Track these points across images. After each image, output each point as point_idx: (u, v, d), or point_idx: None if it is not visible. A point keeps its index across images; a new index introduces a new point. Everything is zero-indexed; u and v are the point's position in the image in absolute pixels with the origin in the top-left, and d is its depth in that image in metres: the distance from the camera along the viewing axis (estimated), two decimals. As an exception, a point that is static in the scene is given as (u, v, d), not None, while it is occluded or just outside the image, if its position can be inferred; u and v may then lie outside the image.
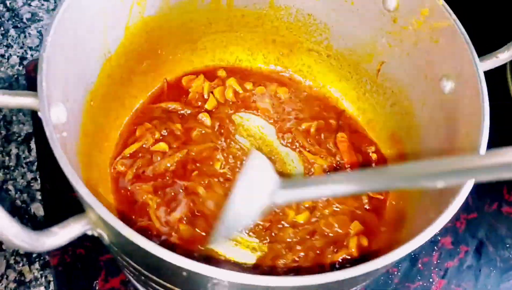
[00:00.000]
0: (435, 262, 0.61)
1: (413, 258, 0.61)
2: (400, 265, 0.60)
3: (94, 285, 0.55)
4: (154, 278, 0.39)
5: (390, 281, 0.59)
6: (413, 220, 0.48)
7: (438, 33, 0.48)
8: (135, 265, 0.39)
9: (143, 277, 0.41)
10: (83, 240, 0.51)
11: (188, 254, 0.48)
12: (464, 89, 0.45)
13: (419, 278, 0.60)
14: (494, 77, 0.64)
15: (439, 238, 0.63)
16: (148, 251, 0.32)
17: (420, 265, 0.61)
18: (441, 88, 0.48)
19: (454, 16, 0.46)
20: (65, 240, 0.34)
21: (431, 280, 0.60)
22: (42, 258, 0.58)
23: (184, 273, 0.33)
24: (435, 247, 0.62)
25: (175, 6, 0.56)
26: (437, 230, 0.37)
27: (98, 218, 0.34)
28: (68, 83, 0.44)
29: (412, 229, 0.40)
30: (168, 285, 0.38)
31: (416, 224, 0.44)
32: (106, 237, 0.36)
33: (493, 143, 0.69)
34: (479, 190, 0.66)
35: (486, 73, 0.45)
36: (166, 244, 0.50)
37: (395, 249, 0.35)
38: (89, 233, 0.36)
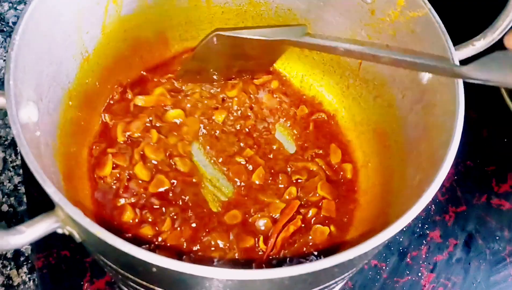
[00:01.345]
0: (423, 256, 0.60)
1: (401, 252, 0.60)
2: (388, 260, 0.60)
3: (79, 286, 0.55)
4: (129, 275, 0.39)
5: (378, 276, 0.58)
6: (393, 212, 0.47)
7: (414, 23, 0.48)
8: (110, 263, 0.39)
9: (120, 276, 0.41)
10: (68, 241, 0.50)
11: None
12: (440, 78, 0.45)
13: (408, 272, 0.59)
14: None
15: (428, 232, 0.62)
16: (116, 247, 0.32)
17: (408, 259, 0.60)
18: (419, 78, 0.48)
19: (429, 5, 0.46)
20: (32, 238, 0.33)
21: (420, 274, 0.59)
22: (30, 261, 0.57)
23: (154, 269, 0.33)
24: (424, 241, 0.61)
25: (153, 5, 0.56)
26: (413, 217, 0.36)
27: (66, 216, 0.34)
28: (41, 83, 0.43)
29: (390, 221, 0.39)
30: (142, 281, 0.38)
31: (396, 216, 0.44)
32: (76, 235, 0.36)
33: (480, 137, 0.69)
34: (468, 182, 0.66)
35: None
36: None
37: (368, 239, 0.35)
38: (60, 231, 0.35)
